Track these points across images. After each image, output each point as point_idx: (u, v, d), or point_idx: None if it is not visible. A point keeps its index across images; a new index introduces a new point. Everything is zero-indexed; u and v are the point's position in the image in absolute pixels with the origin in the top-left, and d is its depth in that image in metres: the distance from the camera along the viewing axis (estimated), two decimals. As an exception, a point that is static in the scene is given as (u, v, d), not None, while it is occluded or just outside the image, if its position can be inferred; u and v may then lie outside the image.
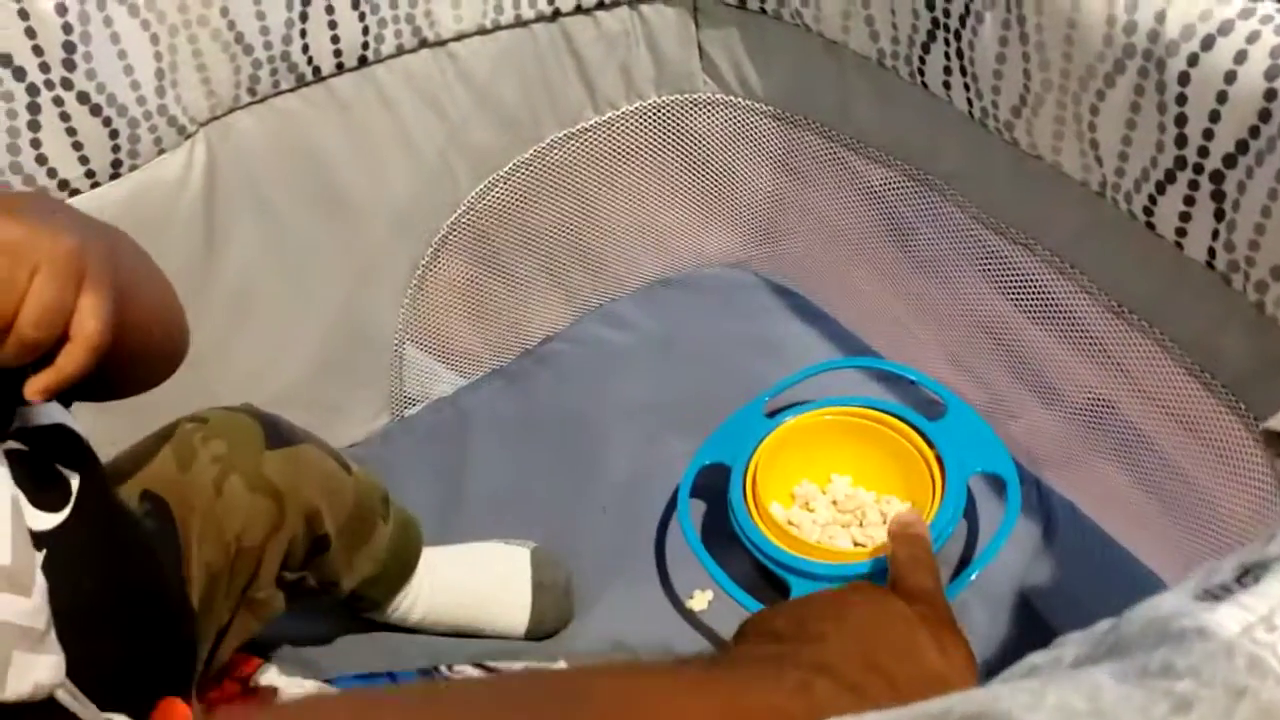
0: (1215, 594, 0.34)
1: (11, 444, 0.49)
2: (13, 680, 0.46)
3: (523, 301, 1.02)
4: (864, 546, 0.82)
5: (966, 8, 0.71)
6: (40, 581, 0.47)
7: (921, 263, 0.92)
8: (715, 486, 0.87)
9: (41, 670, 0.47)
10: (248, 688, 0.74)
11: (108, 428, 0.61)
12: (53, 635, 0.48)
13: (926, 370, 0.91)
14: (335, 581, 0.74)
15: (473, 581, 0.84)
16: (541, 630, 0.84)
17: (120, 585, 0.55)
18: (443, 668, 0.80)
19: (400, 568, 0.79)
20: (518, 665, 0.79)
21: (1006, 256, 0.82)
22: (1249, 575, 0.35)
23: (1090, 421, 0.85)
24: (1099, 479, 0.87)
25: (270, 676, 0.74)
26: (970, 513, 0.85)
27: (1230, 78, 0.59)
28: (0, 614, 0.45)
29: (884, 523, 0.84)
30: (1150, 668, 0.32)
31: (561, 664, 0.74)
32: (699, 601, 0.85)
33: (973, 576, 0.79)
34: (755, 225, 1.03)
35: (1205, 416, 0.70)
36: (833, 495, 0.88)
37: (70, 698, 0.49)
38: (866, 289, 1.00)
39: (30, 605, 0.47)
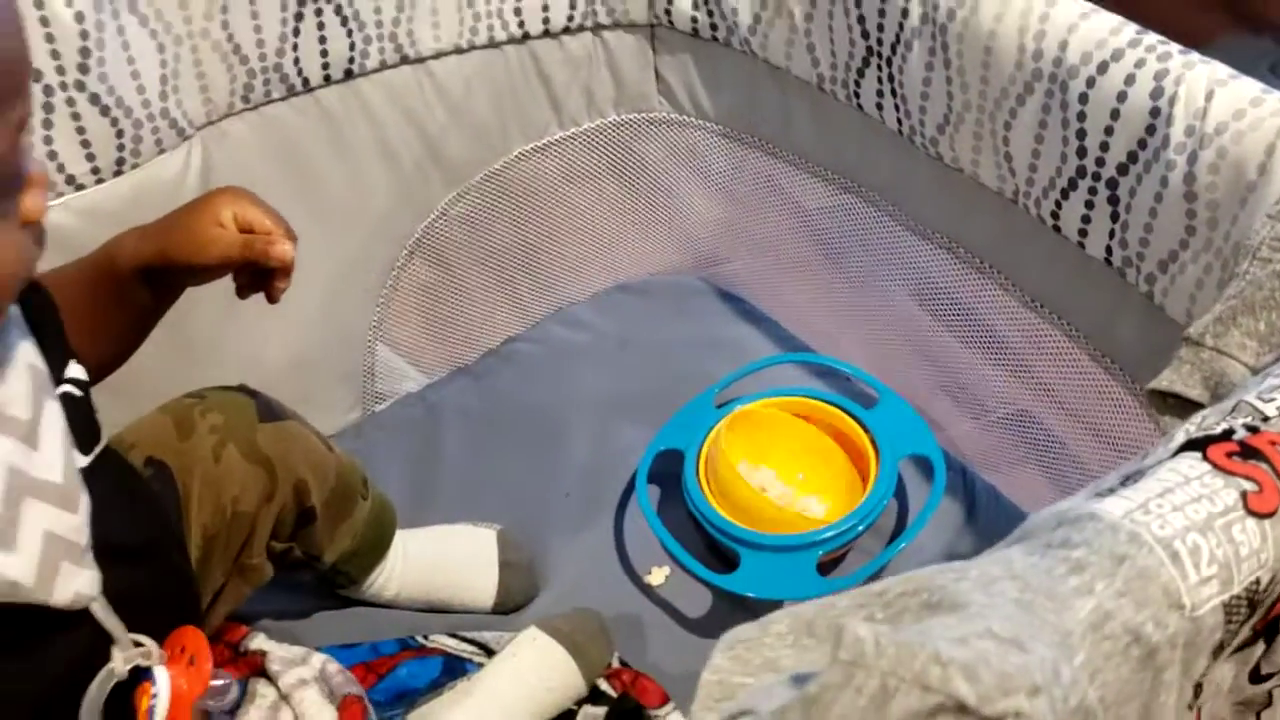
0: (1103, 494, 0.43)
1: (66, 388, 0.55)
2: (59, 588, 0.52)
3: (486, 304, 1.09)
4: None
5: (897, 37, 0.80)
6: (85, 501, 0.53)
7: (852, 276, 1.01)
8: (667, 472, 0.95)
9: (82, 582, 0.53)
10: (238, 652, 0.79)
11: (104, 410, 0.66)
12: (90, 554, 0.53)
13: (852, 345, 1.00)
14: (318, 555, 0.80)
15: (443, 560, 0.90)
16: (508, 605, 0.90)
17: (135, 528, 0.60)
18: (419, 637, 0.85)
19: (377, 543, 0.85)
20: (488, 634, 0.85)
21: (931, 261, 0.91)
22: (1130, 480, 0.43)
23: (1009, 426, 0.94)
24: (1018, 473, 0.96)
25: (259, 642, 0.79)
26: (900, 492, 0.93)
27: (1121, 97, 0.68)
28: (51, 526, 0.51)
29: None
30: (1052, 542, 0.40)
31: (532, 630, 0.81)
32: (656, 577, 0.92)
33: (901, 547, 0.87)
34: (704, 235, 1.11)
35: (1106, 400, 0.79)
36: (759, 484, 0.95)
37: (103, 611, 0.55)
38: (804, 297, 1.09)
39: (77, 521, 0.53)
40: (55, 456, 0.52)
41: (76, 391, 0.56)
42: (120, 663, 0.56)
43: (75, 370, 0.57)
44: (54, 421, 0.53)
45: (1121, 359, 0.77)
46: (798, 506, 0.91)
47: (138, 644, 0.57)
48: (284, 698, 0.75)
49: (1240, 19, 2.12)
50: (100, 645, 0.56)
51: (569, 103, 1.02)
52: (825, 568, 0.87)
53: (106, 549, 0.55)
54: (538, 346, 1.10)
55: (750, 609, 0.87)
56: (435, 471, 0.99)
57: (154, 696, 0.56)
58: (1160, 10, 2.25)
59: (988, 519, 0.95)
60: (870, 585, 0.41)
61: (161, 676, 0.57)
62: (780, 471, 0.94)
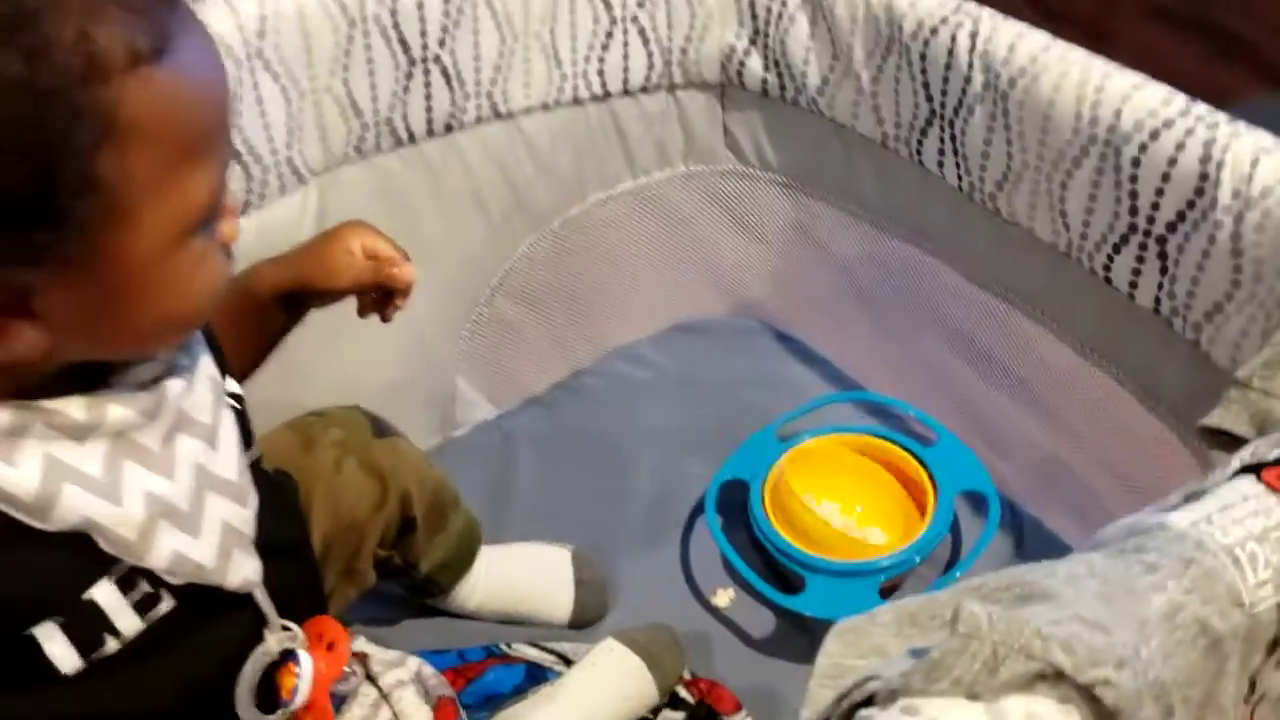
0: (1169, 509, 0.49)
1: (230, 391, 0.62)
2: (231, 572, 0.58)
3: (557, 339, 1.16)
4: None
5: (960, 101, 0.87)
6: (253, 497, 0.60)
7: (906, 320, 1.07)
8: (729, 501, 1.01)
9: (249, 569, 0.60)
10: (340, 655, 0.85)
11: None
12: (253, 545, 0.60)
13: (909, 388, 1.06)
14: (415, 563, 0.86)
15: (522, 575, 0.96)
16: (583, 620, 0.96)
17: (280, 527, 0.67)
18: (503, 645, 0.91)
19: (466, 556, 0.91)
20: (566, 645, 0.91)
21: (985, 309, 0.97)
22: (1193, 496, 0.49)
23: (1055, 470, 0.99)
24: (1064, 507, 1.01)
25: (360, 644, 0.85)
26: (954, 525, 0.99)
27: (1171, 163, 0.75)
28: (228, 518, 0.58)
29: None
30: (1127, 549, 0.46)
31: (610, 641, 0.87)
32: (722, 598, 0.97)
33: (957, 575, 0.93)
34: (764, 279, 1.18)
35: (1152, 439, 0.85)
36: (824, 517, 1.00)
37: (263, 597, 0.61)
38: (857, 339, 1.15)
39: (247, 514, 0.60)
40: (231, 457, 0.59)
41: (236, 405, 0.63)
42: (274, 644, 0.62)
43: (232, 386, 0.64)
44: (229, 427, 0.59)
45: (1168, 401, 0.83)
46: (859, 535, 0.97)
47: (285, 629, 0.63)
48: (384, 697, 0.81)
49: (1269, 80, 2.20)
50: (255, 629, 0.62)
51: (641, 155, 1.09)
52: (885, 592, 0.92)
53: (259, 544, 0.61)
54: (603, 380, 1.17)
55: (810, 630, 0.92)
56: (510, 494, 1.06)
57: (298, 676, 0.63)
58: (1187, 68, 2.33)
59: (1033, 551, 1.00)
60: (969, 580, 0.47)
61: (305, 659, 0.63)
62: (842, 506, 1.00)
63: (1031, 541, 1.00)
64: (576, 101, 1.03)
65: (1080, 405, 0.93)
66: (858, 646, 0.48)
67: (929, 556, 0.93)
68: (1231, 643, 0.44)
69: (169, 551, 0.55)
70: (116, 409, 0.52)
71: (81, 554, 0.53)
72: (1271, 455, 0.50)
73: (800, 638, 0.93)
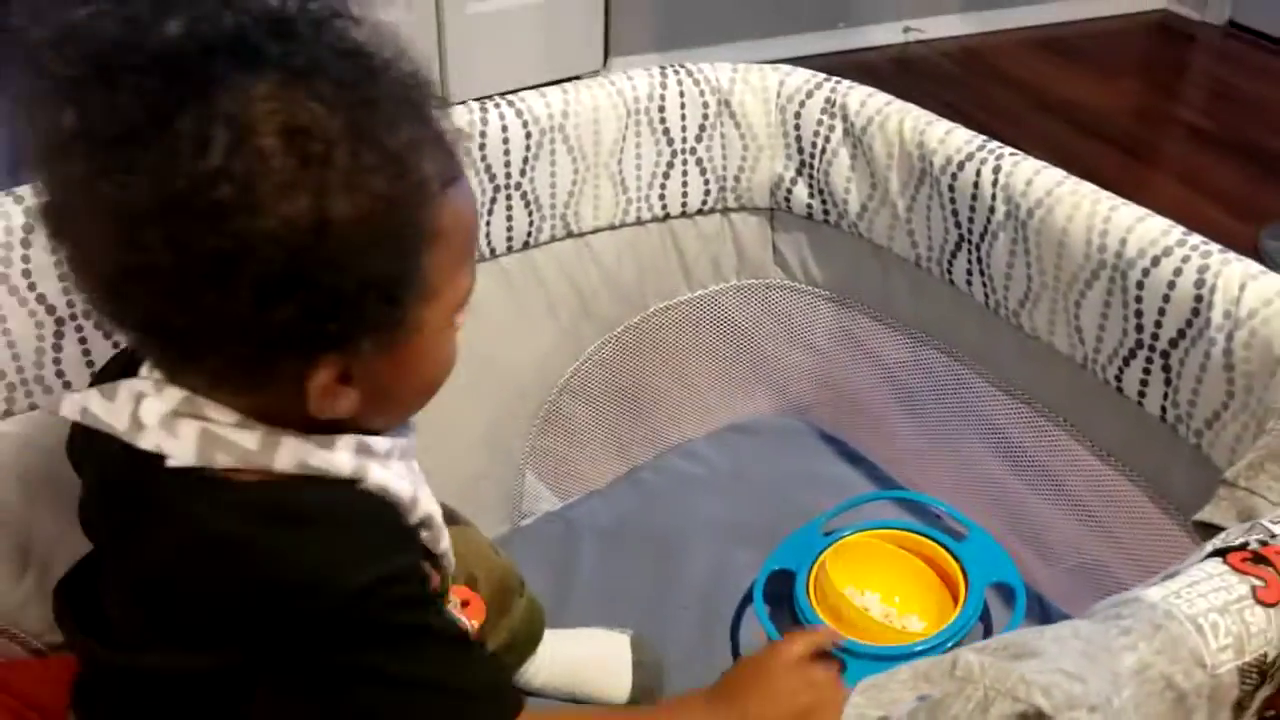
0: (1147, 586, 0.57)
1: None
2: (443, 542, 0.70)
3: (619, 436, 1.26)
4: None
5: (985, 228, 0.98)
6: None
7: (939, 425, 1.15)
8: (776, 591, 1.08)
9: (445, 542, 0.71)
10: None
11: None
12: None
13: (941, 486, 1.13)
14: (482, 643, 0.94)
15: (584, 656, 1.03)
16: (641, 700, 1.03)
17: None
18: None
19: (530, 638, 0.99)
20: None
21: (1011, 414, 1.06)
22: (1168, 576, 0.57)
23: (1081, 576, 1.06)
24: (1083, 597, 1.08)
25: None
26: (985, 615, 1.06)
27: (1171, 285, 0.84)
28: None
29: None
30: (1108, 616, 0.54)
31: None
32: (760, 676, 1.05)
33: (987, 662, 0.99)
34: (809, 384, 1.27)
35: (1160, 532, 0.93)
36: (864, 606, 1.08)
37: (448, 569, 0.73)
38: (895, 441, 1.24)
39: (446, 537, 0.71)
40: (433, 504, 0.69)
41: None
42: None
43: None
44: None
45: (1176, 500, 0.91)
46: (899, 623, 1.04)
47: None
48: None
49: None
50: None
51: (698, 270, 1.20)
52: (917, 678, 0.99)
53: None
54: (660, 476, 1.26)
55: (849, 712, 0.99)
56: (573, 581, 1.14)
57: None
58: (1226, 186, 2.41)
59: (1062, 645, 1.07)
60: (974, 643, 0.55)
61: None
62: (883, 595, 1.07)
63: (1059, 633, 1.07)
64: (639, 222, 1.14)
65: (1103, 502, 1.00)
66: (878, 699, 0.56)
67: (960, 642, 1.00)
68: (1196, 699, 0.52)
69: (446, 544, 0.69)
70: (400, 441, 0.65)
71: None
72: (1237, 541, 0.58)
73: None
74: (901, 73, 2.87)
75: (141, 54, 0.51)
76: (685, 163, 1.14)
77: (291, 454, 0.58)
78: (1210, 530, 0.74)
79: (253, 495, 0.58)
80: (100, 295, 0.56)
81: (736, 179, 1.16)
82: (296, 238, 0.51)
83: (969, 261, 1.01)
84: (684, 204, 1.15)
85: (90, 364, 0.85)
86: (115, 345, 0.59)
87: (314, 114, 0.52)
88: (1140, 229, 0.86)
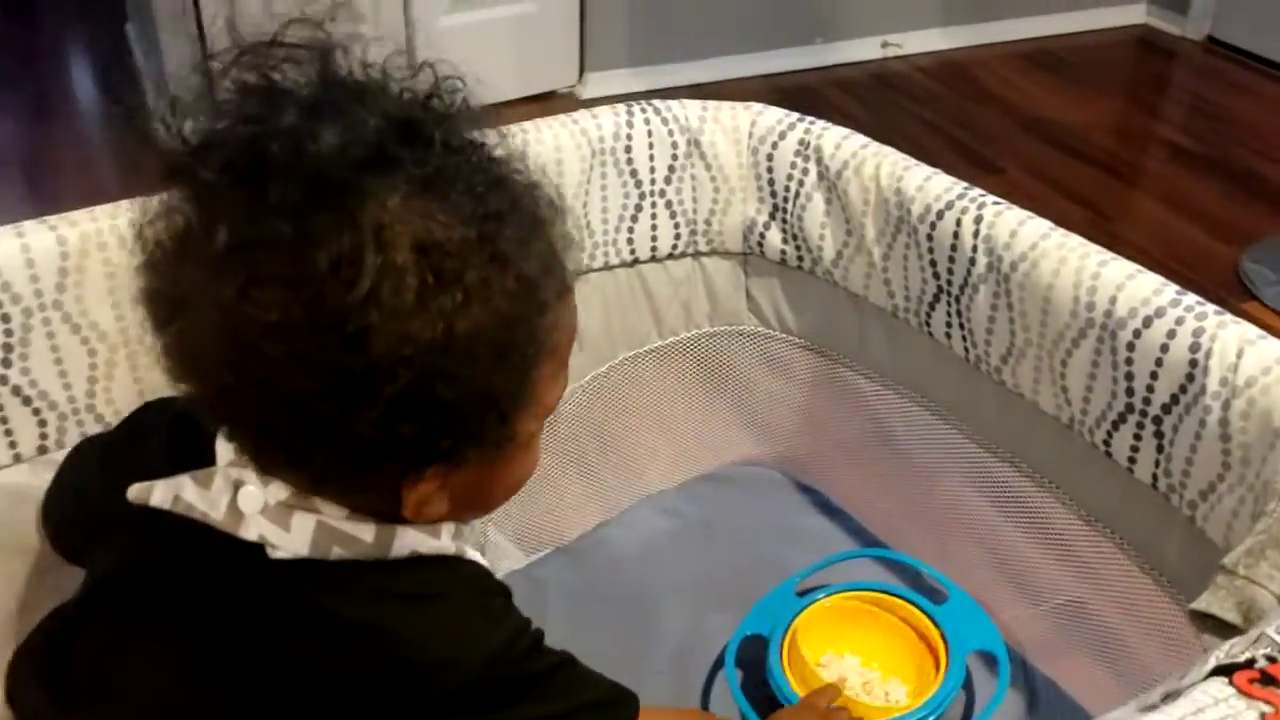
0: (1148, 709, 0.52)
1: None
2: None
3: (585, 489, 1.20)
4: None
5: (965, 280, 0.93)
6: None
7: (920, 476, 1.11)
8: (750, 657, 1.03)
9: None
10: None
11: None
12: None
13: (923, 556, 1.09)
14: None
15: None
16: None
17: None
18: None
19: None
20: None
21: (994, 472, 1.01)
22: (1169, 697, 0.53)
23: (1064, 615, 1.02)
24: (1073, 660, 1.03)
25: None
26: (968, 685, 1.01)
27: (1164, 349, 0.80)
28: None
29: (886, 699, 1.00)
30: (1108, 749, 0.49)
31: None
32: (734, 754, 1.00)
33: (971, 737, 0.95)
34: (784, 433, 1.23)
35: (1155, 607, 0.88)
36: (841, 672, 1.03)
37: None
38: (873, 491, 1.19)
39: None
40: None
41: None
42: None
43: None
44: None
45: (1168, 572, 0.86)
46: (881, 689, 0.99)
47: None
48: None
49: None
50: None
51: (668, 316, 1.15)
52: (897, 753, 0.94)
53: None
54: (630, 531, 1.21)
55: (827, 789, 0.94)
56: (538, 644, 1.09)
57: None
58: (1216, 208, 2.38)
59: (1047, 709, 1.02)
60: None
61: None
62: (863, 659, 1.02)
63: (1045, 702, 1.02)
64: (607, 267, 1.09)
65: (1097, 565, 0.95)
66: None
67: (942, 716, 0.95)
68: (1202, 846, 0.47)
69: None
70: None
71: None
72: (1243, 658, 0.53)
73: (817, 796, 0.95)
74: (880, 89, 2.83)
75: (293, 168, 0.50)
76: (654, 205, 1.09)
77: (406, 544, 0.59)
78: (1208, 620, 0.69)
79: (379, 582, 0.59)
80: (209, 394, 0.55)
81: (708, 222, 1.11)
82: (427, 358, 0.51)
83: (948, 314, 0.96)
84: (653, 248, 1.10)
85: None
86: (166, 370, 0.58)
87: (449, 230, 0.52)
88: (1131, 287, 0.82)
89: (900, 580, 1.09)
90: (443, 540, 0.61)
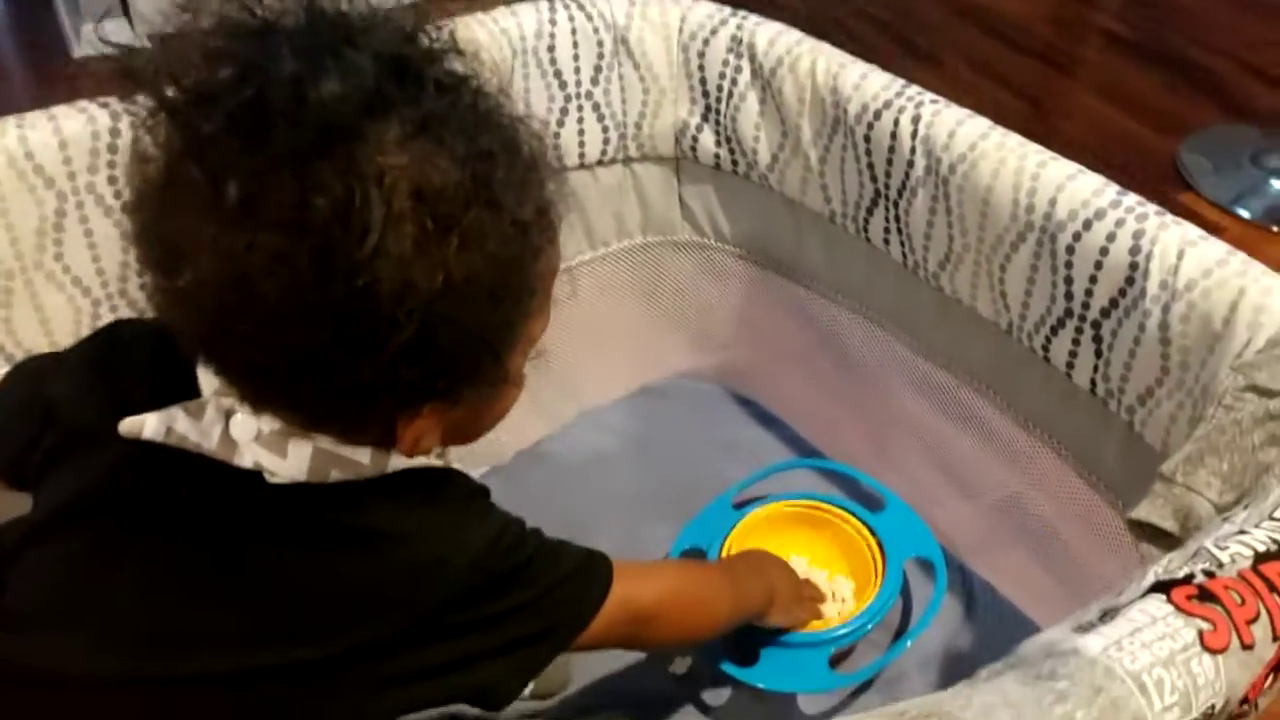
0: (1085, 628, 0.51)
1: None
2: None
3: (520, 407, 1.17)
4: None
5: (903, 184, 0.90)
6: None
7: (858, 383, 1.09)
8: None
9: None
10: None
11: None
12: None
13: (861, 462, 1.08)
14: None
15: None
16: (544, 691, 0.97)
17: None
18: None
19: None
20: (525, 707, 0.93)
21: (933, 378, 1.00)
22: (1107, 615, 0.51)
23: (1002, 512, 1.02)
24: (1011, 561, 1.03)
25: None
26: (905, 591, 1.01)
27: (1104, 251, 0.77)
28: None
29: (834, 599, 1.00)
30: (1041, 674, 0.48)
31: None
32: (679, 665, 0.99)
33: (908, 644, 0.95)
34: (722, 345, 1.20)
35: (1092, 508, 0.88)
36: None
37: None
38: (811, 396, 1.18)
39: None
40: None
41: None
42: None
43: None
44: None
45: (1105, 477, 0.86)
46: (828, 587, 0.99)
47: None
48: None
49: (1229, 109, 2.24)
50: None
51: (600, 226, 1.11)
52: (836, 660, 0.94)
53: None
54: (566, 447, 1.18)
55: (766, 699, 0.94)
56: (473, 565, 1.07)
57: None
58: (1155, 100, 2.35)
59: (984, 612, 1.03)
60: (894, 706, 0.49)
61: None
62: (811, 559, 1.01)
63: (983, 604, 1.03)
64: (533, 176, 1.04)
65: (1034, 469, 0.95)
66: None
67: (880, 623, 0.95)
68: (1137, 767, 0.46)
69: None
70: None
71: None
72: (1181, 573, 0.52)
73: (755, 705, 0.95)
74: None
75: (297, 119, 0.49)
76: (581, 108, 1.04)
77: (401, 462, 0.60)
78: (1144, 529, 0.68)
79: (376, 494, 0.59)
80: (202, 336, 0.55)
81: (638, 125, 1.06)
82: (429, 306, 0.52)
83: (886, 219, 0.93)
84: (581, 154, 1.06)
85: (44, 322, 0.84)
86: (156, 308, 0.58)
87: (445, 175, 0.52)
88: (1071, 188, 0.79)
89: (838, 490, 1.08)
90: (430, 456, 0.63)
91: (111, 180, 0.83)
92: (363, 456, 0.58)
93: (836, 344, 1.08)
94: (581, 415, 1.21)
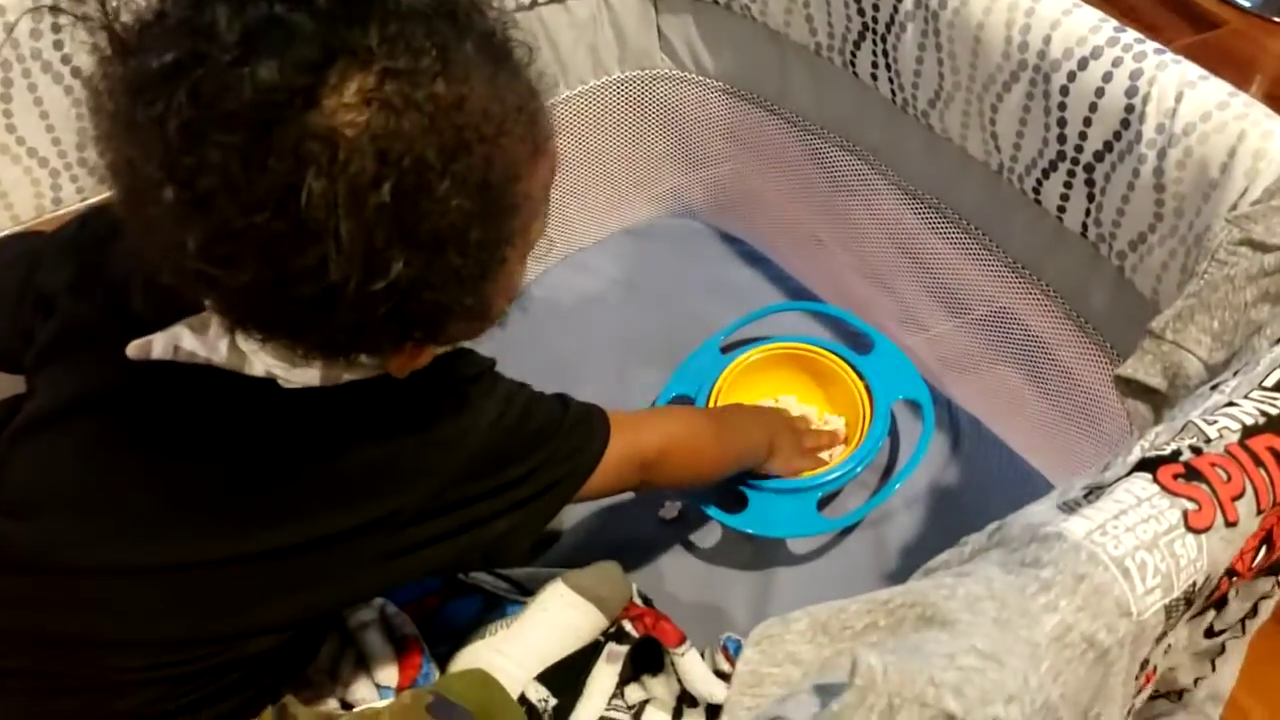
0: (1070, 507, 0.51)
1: None
2: None
3: (501, 253, 1.15)
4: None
5: (892, 18, 0.85)
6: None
7: (845, 218, 1.06)
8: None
9: None
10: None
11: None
12: None
13: (848, 288, 1.07)
14: None
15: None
16: (539, 542, 0.99)
17: None
18: (460, 575, 0.94)
19: None
20: (519, 571, 0.94)
21: (919, 217, 0.97)
22: (1092, 494, 0.51)
23: (992, 330, 1.00)
24: (998, 384, 1.03)
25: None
26: (893, 432, 1.02)
27: (1099, 93, 0.74)
28: None
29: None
30: (1025, 560, 0.49)
31: (561, 586, 0.89)
32: (669, 511, 1.01)
33: (896, 486, 0.96)
34: (705, 182, 1.17)
35: (1077, 352, 0.87)
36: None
37: None
38: (799, 238, 1.15)
39: None
40: None
41: None
42: None
43: None
44: None
45: (1094, 320, 0.85)
46: (821, 422, 1.00)
47: None
48: (349, 638, 0.84)
49: (1195, 21, 2.15)
50: None
51: (574, 63, 1.06)
52: (824, 502, 0.96)
53: None
54: (551, 292, 1.17)
55: (753, 540, 0.96)
56: (462, 416, 1.07)
57: None
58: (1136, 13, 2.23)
59: (971, 448, 1.04)
60: (877, 594, 0.50)
61: None
62: (800, 397, 1.02)
63: (969, 440, 1.04)
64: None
65: (1021, 310, 0.93)
66: (773, 655, 0.51)
67: (870, 464, 0.96)
68: (1118, 650, 0.47)
69: None
70: None
71: None
72: (1168, 449, 0.51)
73: (743, 547, 0.97)
74: None
75: (230, 107, 0.48)
76: (549, -64, 0.98)
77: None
78: (1132, 386, 0.68)
79: (390, 382, 0.61)
80: (185, 284, 0.53)
81: (611, -48, 1.00)
82: (411, 267, 0.51)
83: (874, 54, 0.89)
84: (552, -14, 1.00)
85: None
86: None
87: (414, 123, 0.50)
88: (1067, 24, 0.75)
89: (826, 331, 1.08)
90: None
91: (57, 45, 0.78)
92: (370, 362, 0.60)
93: (823, 181, 1.05)
94: (563, 260, 1.19)
